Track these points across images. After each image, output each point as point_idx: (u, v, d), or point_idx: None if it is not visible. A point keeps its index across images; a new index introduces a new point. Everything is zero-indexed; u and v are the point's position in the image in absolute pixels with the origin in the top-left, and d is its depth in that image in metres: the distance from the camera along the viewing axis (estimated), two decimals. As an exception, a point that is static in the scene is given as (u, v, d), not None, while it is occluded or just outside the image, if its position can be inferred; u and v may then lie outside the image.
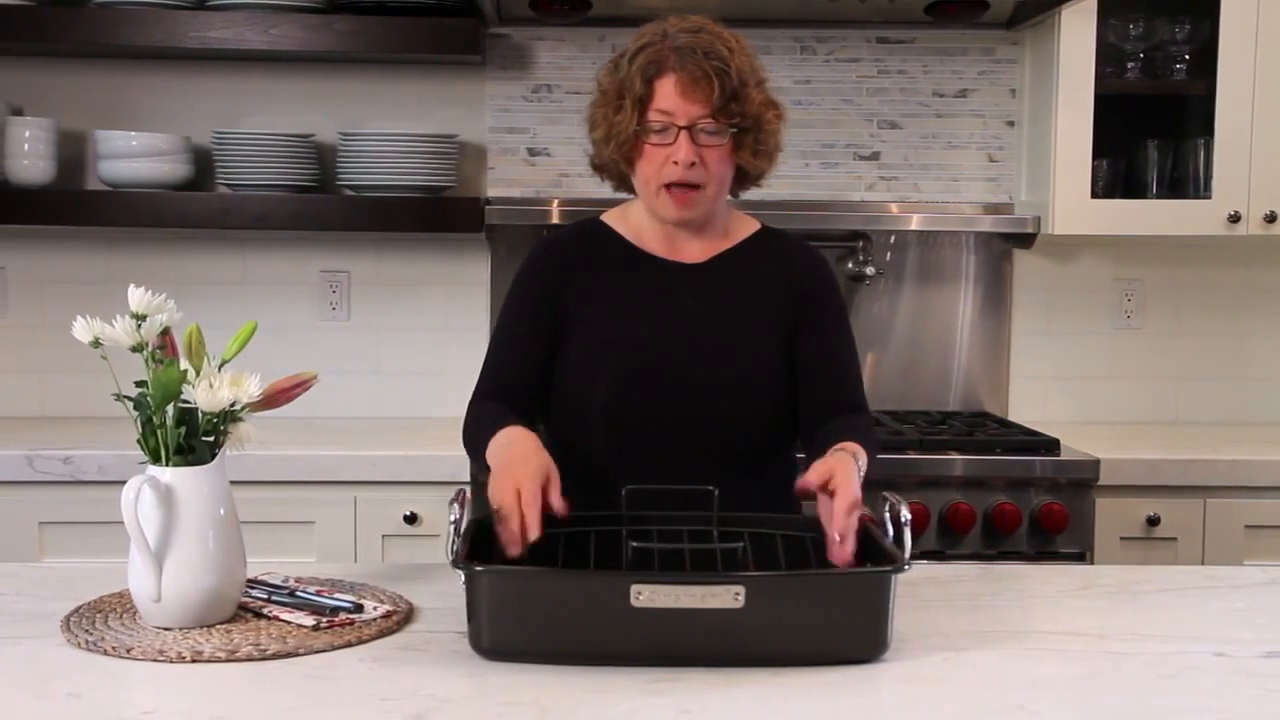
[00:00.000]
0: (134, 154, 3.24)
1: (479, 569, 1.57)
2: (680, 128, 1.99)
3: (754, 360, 2.09)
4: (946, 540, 2.94)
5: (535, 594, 1.57)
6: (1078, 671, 1.56)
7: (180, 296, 3.36)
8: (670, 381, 2.06)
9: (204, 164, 3.36)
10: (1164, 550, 2.98)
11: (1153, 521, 2.98)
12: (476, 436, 2.01)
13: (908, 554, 1.63)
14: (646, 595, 1.53)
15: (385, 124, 3.43)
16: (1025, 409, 3.56)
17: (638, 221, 2.15)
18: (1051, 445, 3.02)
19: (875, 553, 1.71)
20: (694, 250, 2.13)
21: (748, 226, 2.19)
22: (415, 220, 3.31)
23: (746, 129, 2.03)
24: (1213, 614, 1.82)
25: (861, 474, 1.87)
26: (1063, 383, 3.60)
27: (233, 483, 2.82)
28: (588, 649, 1.55)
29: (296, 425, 3.24)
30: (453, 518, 1.67)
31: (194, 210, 3.28)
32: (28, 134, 3.24)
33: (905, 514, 1.69)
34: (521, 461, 1.81)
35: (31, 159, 3.24)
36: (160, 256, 3.45)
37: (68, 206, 3.28)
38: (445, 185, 3.33)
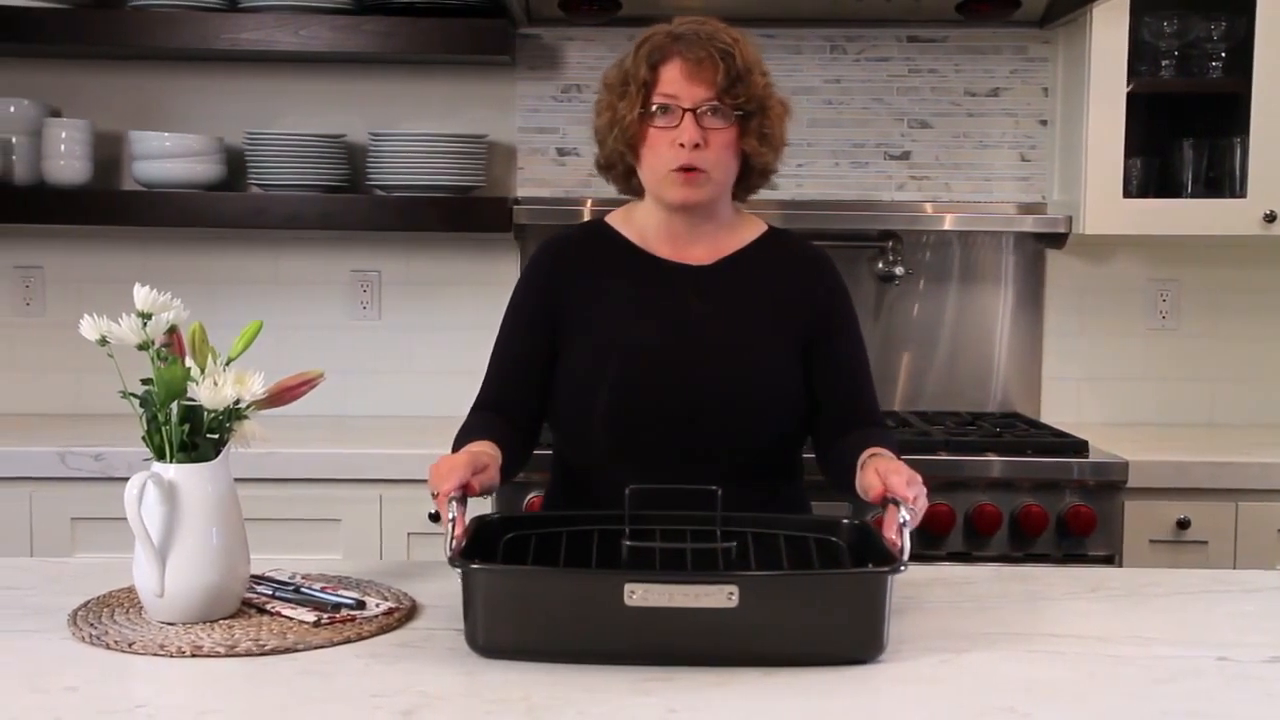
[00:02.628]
0: (168, 154, 3.28)
1: (474, 567, 1.58)
2: (685, 110, 1.99)
3: (761, 362, 2.08)
4: (972, 542, 2.92)
5: (530, 592, 1.58)
6: (1074, 674, 1.55)
7: (213, 295, 3.47)
8: (675, 383, 2.05)
9: (236, 164, 3.39)
10: (1195, 554, 2.95)
11: (1183, 525, 2.95)
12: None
13: (906, 555, 1.62)
14: (640, 594, 1.53)
15: (415, 124, 3.45)
16: (1058, 410, 3.53)
17: (642, 222, 2.14)
18: (1080, 447, 2.99)
19: (875, 553, 1.70)
20: (700, 252, 2.12)
21: (754, 228, 2.18)
22: (444, 220, 3.33)
23: (751, 113, 2.02)
24: (1220, 618, 1.79)
25: None
26: (1096, 384, 3.56)
27: (260, 480, 2.88)
28: (582, 647, 1.55)
29: (326, 424, 3.29)
30: (450, 515, 1.69)
31: (226, 210, 3.32)
32: (64, 135, 3.29)
33: (904, 515, 1.68)
34: (438, 475, 1.82)
35: (68, 159, 3.29)
36: (194, 256, 3.50)
37: (103, 206, 3.32)
38: (474, 185, 3.35)
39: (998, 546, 2.92)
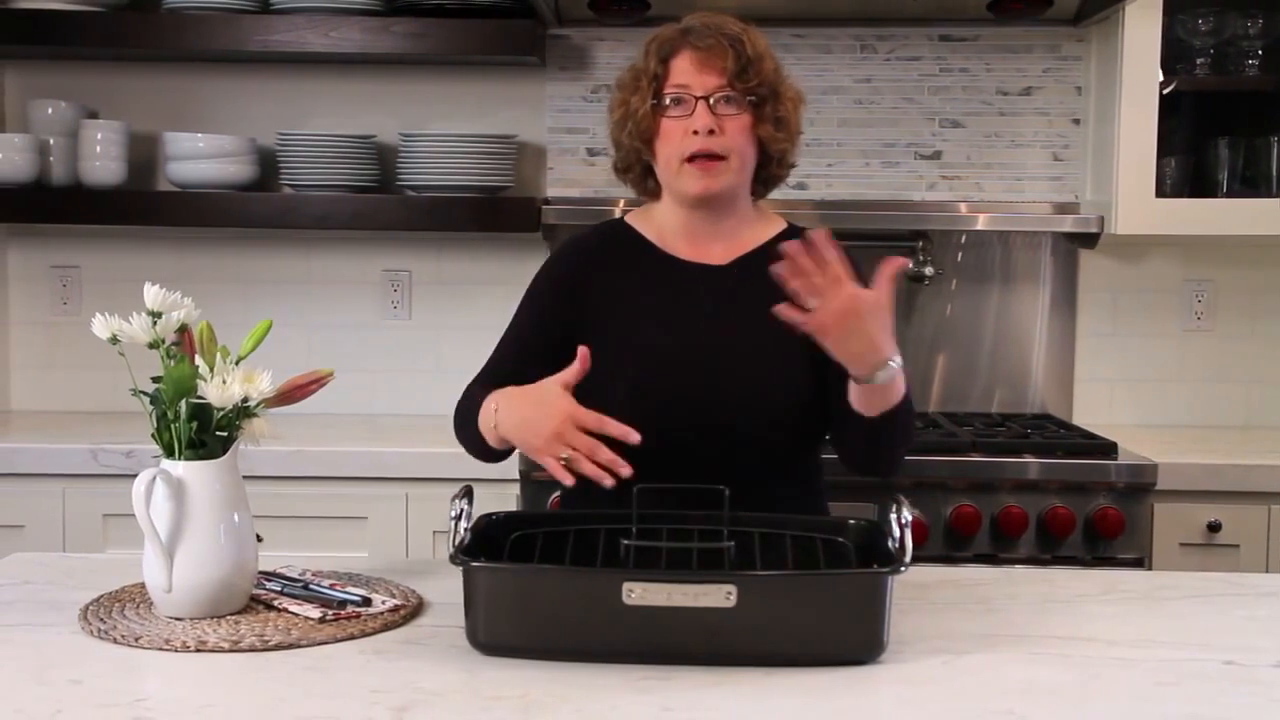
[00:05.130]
0: (201, 155, 3.31)
1: (474, 564, 1.59)
2: (697, 98, 2.00)
3: (778, 363, 2.06)
4: (999, 544, 2.89)
5: (529, 590, 1.59)
6: (1076, 677, 1.53)
7: (245, 295, 3.51)
8: (690, 384, 2.04)
9: (268, 165, 3.42)
10: (1226, 557, 2.91)
11: (1214, 528, 2.91)
12: (467, 417, 2.05)
13: (908, 556, 1.61)
14: (638, 593, 1.53)
15: (445, 125, 3.47)
16: (1091, 412, 3.49)
17: (660, 221, 2.14)
18: (1108, 449, 2.96)
19: (881, 554, 1.69)
20: (717, 251, 2.12)
21: (773, 226, 2.17)
22: (474, 220, 3.34)
23: (764, 98, 2.02)
24: (1232, 622, 1.77)
25: (891, 372, 1.88)
26: (1130, 385, 3.53)
27: (288, 478, 2.90)
28: (581, 646, 1.56)
29: (356, 422, 3.32)
30: (454, 513, 1.69)
31: (258, 210, 3.34)
32: (100, 136, 3.33)
33: (907, 515, 1.67)
34: (542, 404, 1.85)
35: (104, 160, 3.33)
36: (226, 255, 3.53)
37: (138, 207, 3.36)
38: (504, 185, 3.36)
39: (1025, 549, 2.89)
